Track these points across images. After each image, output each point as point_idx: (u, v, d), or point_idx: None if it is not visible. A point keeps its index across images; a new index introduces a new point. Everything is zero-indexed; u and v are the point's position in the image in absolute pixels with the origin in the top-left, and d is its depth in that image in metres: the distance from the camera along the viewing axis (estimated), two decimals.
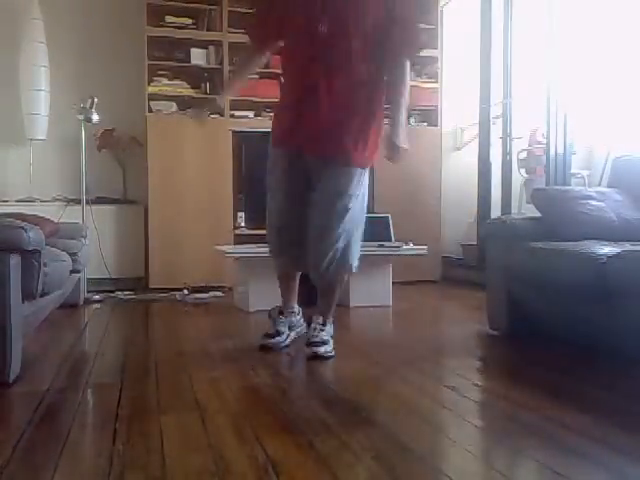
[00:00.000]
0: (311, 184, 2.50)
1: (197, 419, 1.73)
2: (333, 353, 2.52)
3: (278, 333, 2.67)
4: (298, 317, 2.82)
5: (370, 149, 2.47)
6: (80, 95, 4.45)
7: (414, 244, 4.17)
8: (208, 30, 4.94)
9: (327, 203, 2.43)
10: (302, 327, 2.79)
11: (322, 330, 2.56)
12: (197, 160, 4.83)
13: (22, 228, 2.05)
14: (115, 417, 1.75)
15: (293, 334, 2.77)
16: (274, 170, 2.57)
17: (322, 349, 2.48)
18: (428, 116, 5.44)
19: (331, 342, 2.56)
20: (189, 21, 4.91)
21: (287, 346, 2.69)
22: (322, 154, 2.44)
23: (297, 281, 2.80)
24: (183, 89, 4.94)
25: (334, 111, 2.39)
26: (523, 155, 5.02)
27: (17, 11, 4.68)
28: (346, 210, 2.44)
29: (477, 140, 5.20)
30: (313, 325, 2.58)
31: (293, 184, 2.52)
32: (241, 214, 4.90)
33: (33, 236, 2.10)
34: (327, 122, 2.40)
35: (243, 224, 4.87)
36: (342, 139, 2.41)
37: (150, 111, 4.79)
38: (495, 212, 4.84)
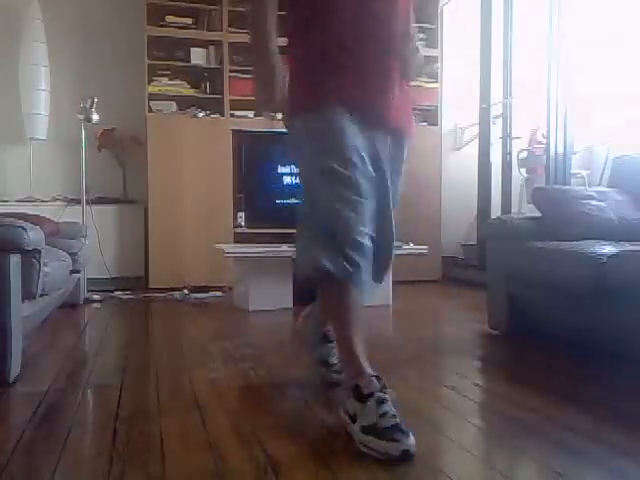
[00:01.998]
0: None
1: (197, 419, 1.73)
2: None
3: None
4: None
5: None
6: (80, 95, 4.46)
7: (414, 244, 4.17)
8: (208, 30, 4.94)
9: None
10: None
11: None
12: (197, 160, 4.83)
13: (22, 228, 2.05)
14: (115, 417, 1.75)
15: None
16: None
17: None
18: (428, 116, 5.44)
19: None
20: (189, 21, 4.91)
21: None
22: None
23: None
24: (183, 89, 4.94)
25: None
26: (523, 155, 5.03)
27: (17, 11, 4.68)
28: None
29: (477, 140, 5.20)
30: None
31: None
32: (241, 214, 4.89)
33: (33, 236, 2.10)
34: None
35: (243, 224, 4.87)
36: None
37: (150, 111, 4.80)
38: (495, 212, 4.85)
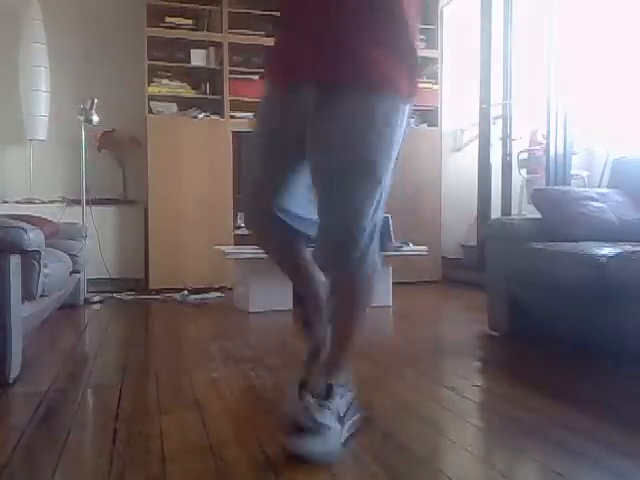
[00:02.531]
0: None
1: (197, 420, 1.73)
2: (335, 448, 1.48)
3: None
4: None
5: None
6: (80, 95, 4.46)
7: (414, 244, 4.17)
8: (208, 31, 4.94)
9: None
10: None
11: (321, 404, 1.52)
12: (197, 160, 4.83)
13: (22, 229, 2.05)
14: (115, 417, 1.75)
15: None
16: None
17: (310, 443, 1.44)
18: (428, 117, 5.44)
19: (337, 427, 1.51)
20: (189, 22, 4.92)
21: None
22: None
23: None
24: (183, 90, 4.94)
25: None
26: (524, 156, 5.03)
27: (17, 11, 4.68)
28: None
29: (477, 141, 5.20)
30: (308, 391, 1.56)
31: None
32: (241, 214, 4.90)
33: (33, 237, 2.10)
34: None
35: (243, 225, 4.87)
36: None
37: (150, 112, 4.80)
38: (495, 213, 4.85)
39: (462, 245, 5.43)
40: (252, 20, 5.02)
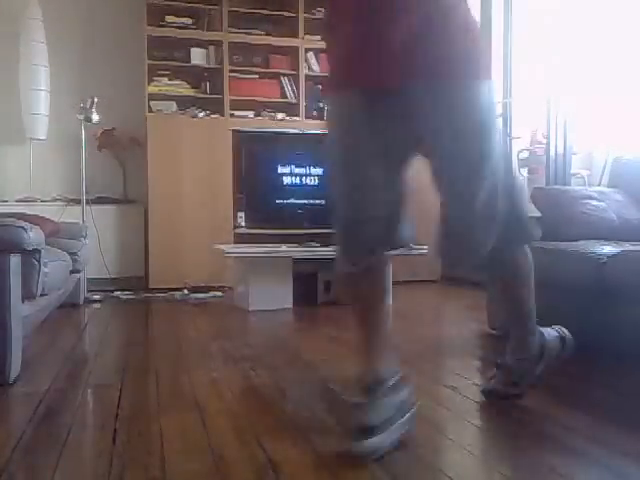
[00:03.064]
0: None
1: (197, 419, 1.73)
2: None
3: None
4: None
5: None
6: (80, 95, 4.46)
7: (414, 244, 4.17)
8: (208, 30, 4.94)
9: None
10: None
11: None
12: (197, 160, 4.83)
13: (22, 228, 2.05)
14: (115, 417, 1.75)
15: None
16: None
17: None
18: None
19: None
20: (189, 21, 4.91)
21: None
22: None
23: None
24: (183, 89, 4.94)
25: None
26: (524, 155, 5.03)
27: (17, 11, 4.67)
28: None
29: None
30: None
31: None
32: (241, 214, 4.90)
33: (33, 236, 2.10)
34: None
35: (243, 224, 4.87)
36: None
37: (150, 111, 4.80)
38: None
39: None
40: (252, 19, 5.02)
